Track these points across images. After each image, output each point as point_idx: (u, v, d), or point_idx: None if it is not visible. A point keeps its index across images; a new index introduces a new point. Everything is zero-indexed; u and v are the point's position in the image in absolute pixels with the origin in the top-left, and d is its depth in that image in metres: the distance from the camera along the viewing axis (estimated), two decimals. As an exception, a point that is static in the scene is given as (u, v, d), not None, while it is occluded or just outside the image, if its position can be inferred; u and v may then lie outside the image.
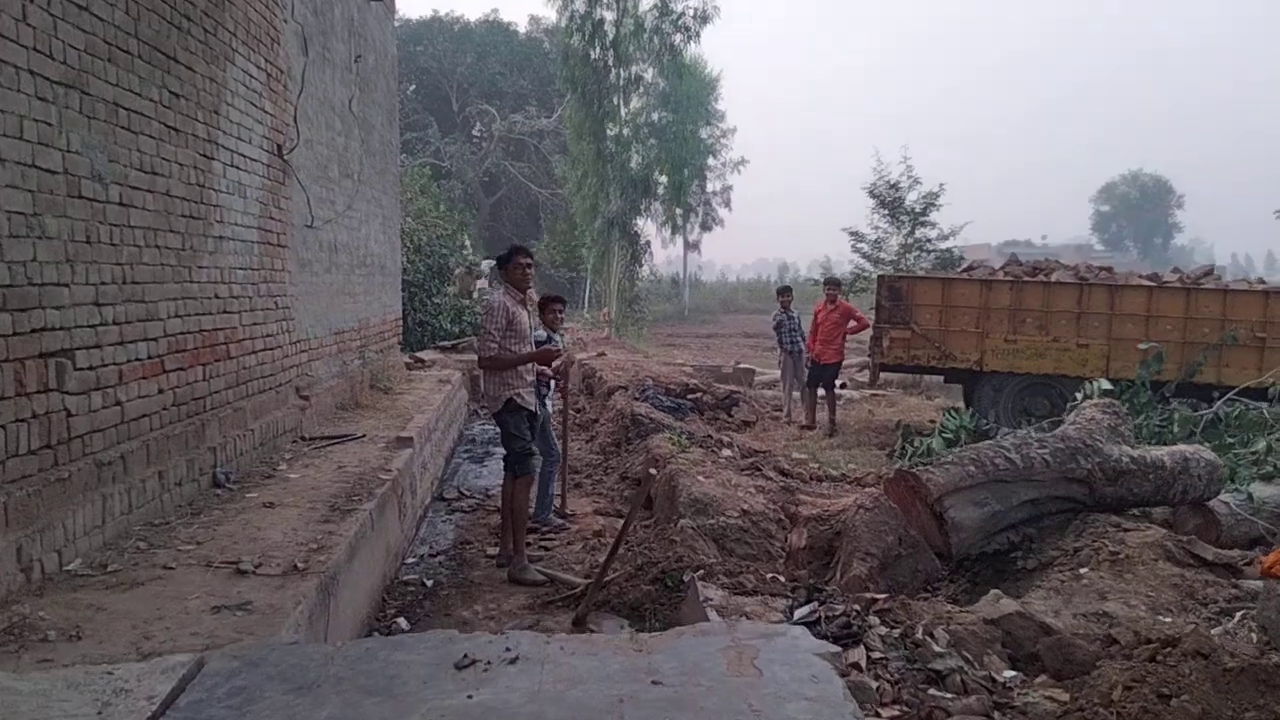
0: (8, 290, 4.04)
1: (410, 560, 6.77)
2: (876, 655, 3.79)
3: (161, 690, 2.91)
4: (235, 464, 6.46)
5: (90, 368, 4.78)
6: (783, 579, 5.27)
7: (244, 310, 6.94)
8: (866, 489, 6.61)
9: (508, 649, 3.11)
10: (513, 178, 41.16)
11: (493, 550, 6.75)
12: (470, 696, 2.77)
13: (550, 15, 32.53)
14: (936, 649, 3.76)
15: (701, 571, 5.35)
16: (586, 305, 34.91)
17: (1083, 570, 5.06)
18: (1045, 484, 5.79)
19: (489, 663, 3.01)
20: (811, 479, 8.26)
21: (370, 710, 2.70)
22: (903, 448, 10.39)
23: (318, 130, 8.98)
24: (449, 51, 43.13)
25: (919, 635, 3.87)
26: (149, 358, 5.42)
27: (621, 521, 5.54)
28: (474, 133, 43.58)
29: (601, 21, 28.30)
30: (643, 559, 5.94)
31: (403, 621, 5.41)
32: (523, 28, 45.91)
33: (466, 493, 8.97)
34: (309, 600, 4.16)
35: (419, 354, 14.99)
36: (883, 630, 3.96)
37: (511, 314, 6.28)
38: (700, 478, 7.16)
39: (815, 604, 4.25)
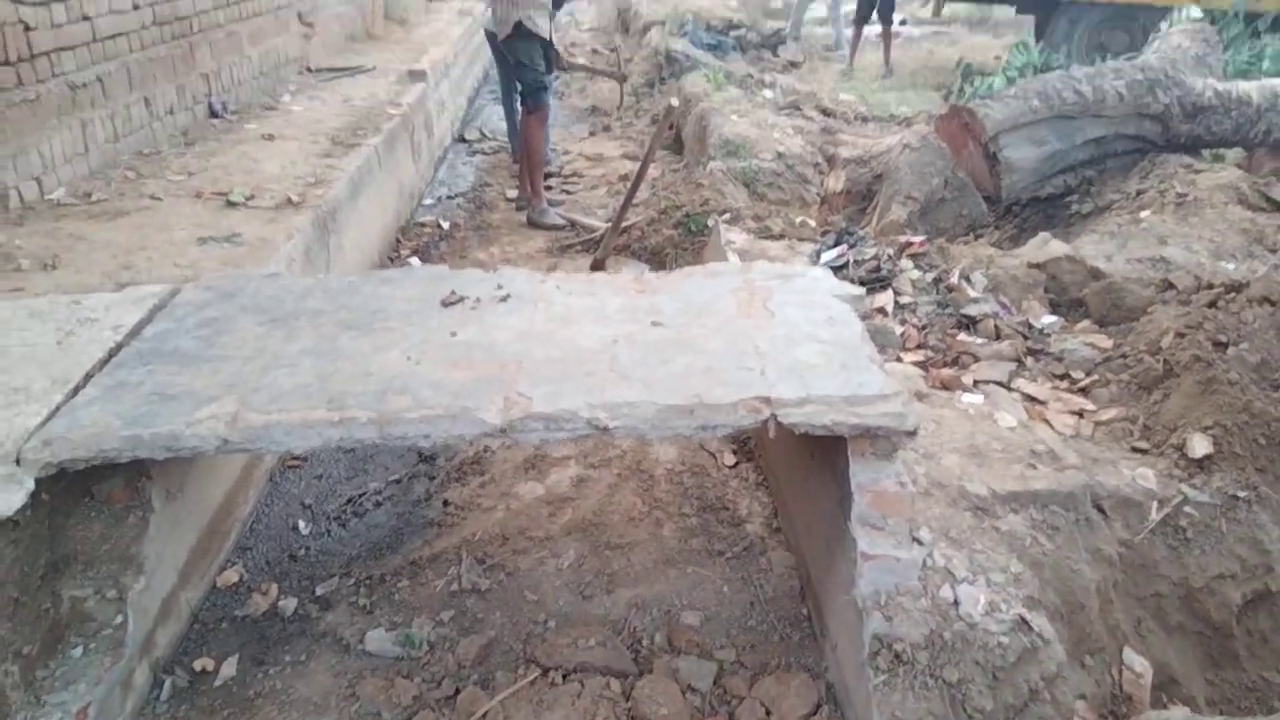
0: None
1: (428, 202, 6.48)
2: (905, 300, 3.51)
3: (129, 321, 2.72)
4: (233, 94, 6.02)
5: (44, -24, 4.25)
6: (813, 223, 4.92)
7: (226, -82, 6.14)
8: (914, 128, 6.03)
9: (499, 286, 2.85)
10: None
11: (512, 193, 6.43)
12: (454, 334, 2.54)
13: None
14: (972, 294, 3.47)
15: (727, 215, 5.00)
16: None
17: (1143, 213, 4.62)
18: (1115, 120, 5.20)
19: (478, 300, 2.76)
20: (856, 119, 7.63)
21: (346, 345, 2.49)
22: (961, 88, 9.55)
23: None
24: None
25: (954, 280, 3.56)
26: (112, -32, 4.83)
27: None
28: None
29: None
30: (667, 203, 5.59)
31: (416, 261, 5.22)
32: None
33: (488, 134, 8.49)
34: (304, 234, 3.92)
35: (441, -16, 13.75)
36: (915, 274, 3.65)
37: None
38: (734, 117, 6.61)
39: (844, 246, 3.92)
